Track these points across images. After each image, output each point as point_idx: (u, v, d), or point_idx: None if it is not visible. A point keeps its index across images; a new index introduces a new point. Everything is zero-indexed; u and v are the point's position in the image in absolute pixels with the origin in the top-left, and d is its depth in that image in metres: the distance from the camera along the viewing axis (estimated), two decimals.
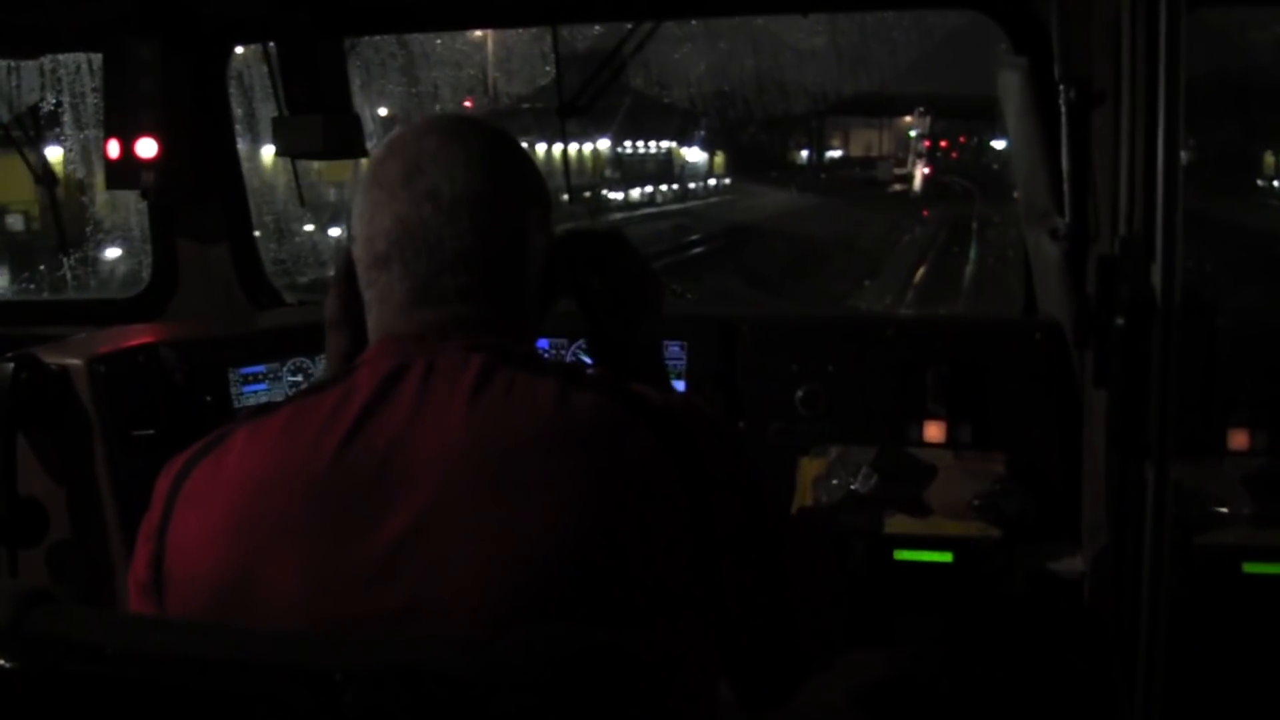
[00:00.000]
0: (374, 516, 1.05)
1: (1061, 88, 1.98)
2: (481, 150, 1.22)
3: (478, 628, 0.98)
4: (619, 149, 35.23)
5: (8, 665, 0.85)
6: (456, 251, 1.19)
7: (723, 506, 1.11)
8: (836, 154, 48.99)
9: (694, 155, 40.84)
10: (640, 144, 38.73)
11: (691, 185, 40.19)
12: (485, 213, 1.20)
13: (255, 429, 1.16)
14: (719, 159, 42.14)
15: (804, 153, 47.06)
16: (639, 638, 0.99)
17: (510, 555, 1.02)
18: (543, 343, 2.35)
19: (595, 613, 1.02)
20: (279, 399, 2.12)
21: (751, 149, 39.93)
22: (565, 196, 2.90)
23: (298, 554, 1.05)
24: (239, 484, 1.11)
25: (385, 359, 1.16)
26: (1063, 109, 1.99)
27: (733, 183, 42.00)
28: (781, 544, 1.19)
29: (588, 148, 31.94)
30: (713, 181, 42.30)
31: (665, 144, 38.69)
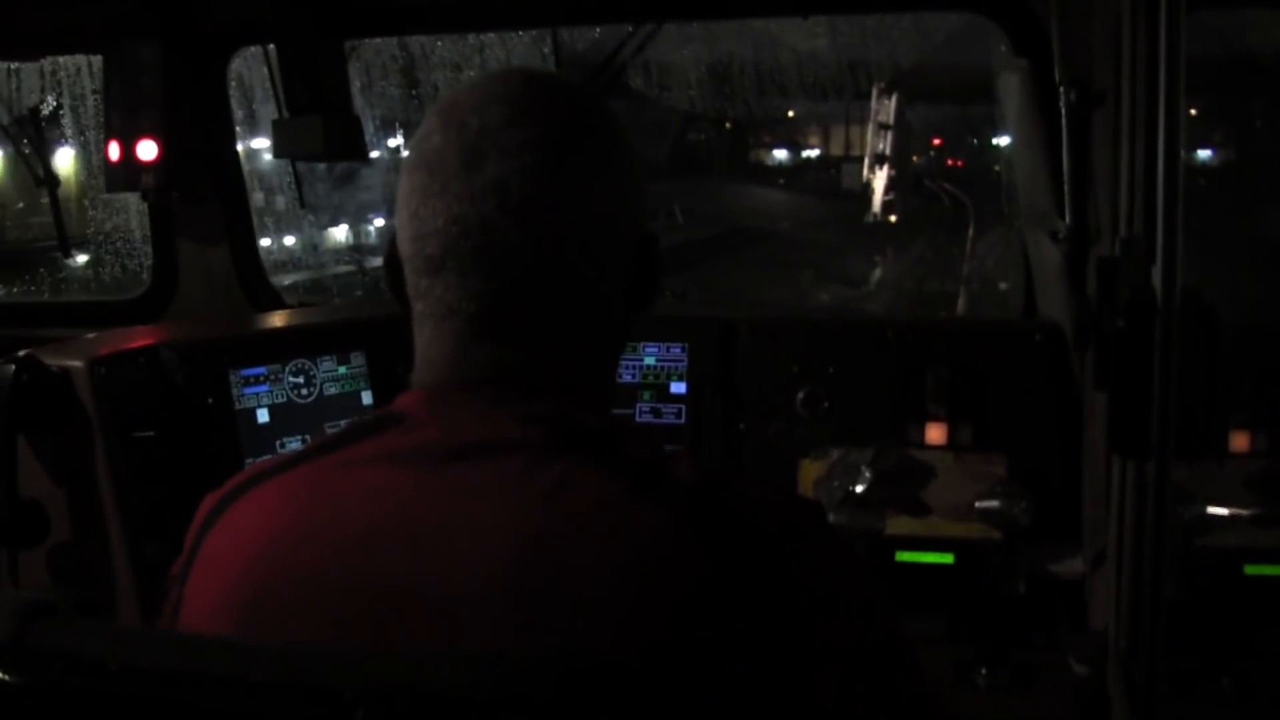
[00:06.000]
0: (389, 633, 0.89)
1: (1062, 89, 1.98)
2: (562, 129, 0.97)
3: None
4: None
5: (10, 679, 0.83)
6: (530, 266, 0.95)
7: (824, 643, 0.89)
8: (814, 153, 39.34)
9: None
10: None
11: None
12: (566, 217, 0.96)
13: (281, 485, 0.99)
14: None
15: (778, 152, 38.25)
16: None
17: None
18: None
19: None
20: (280, 400, 2.13)
21: (692, 149, 29.07)
22: None
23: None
24: (249, 558, 0.96)
25: (427, 426, 0.96)
26: (1063, 111, 1.99)
27: None
28: (899, 675, 0.96)
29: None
30: None
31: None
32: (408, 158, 1.01)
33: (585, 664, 0.80)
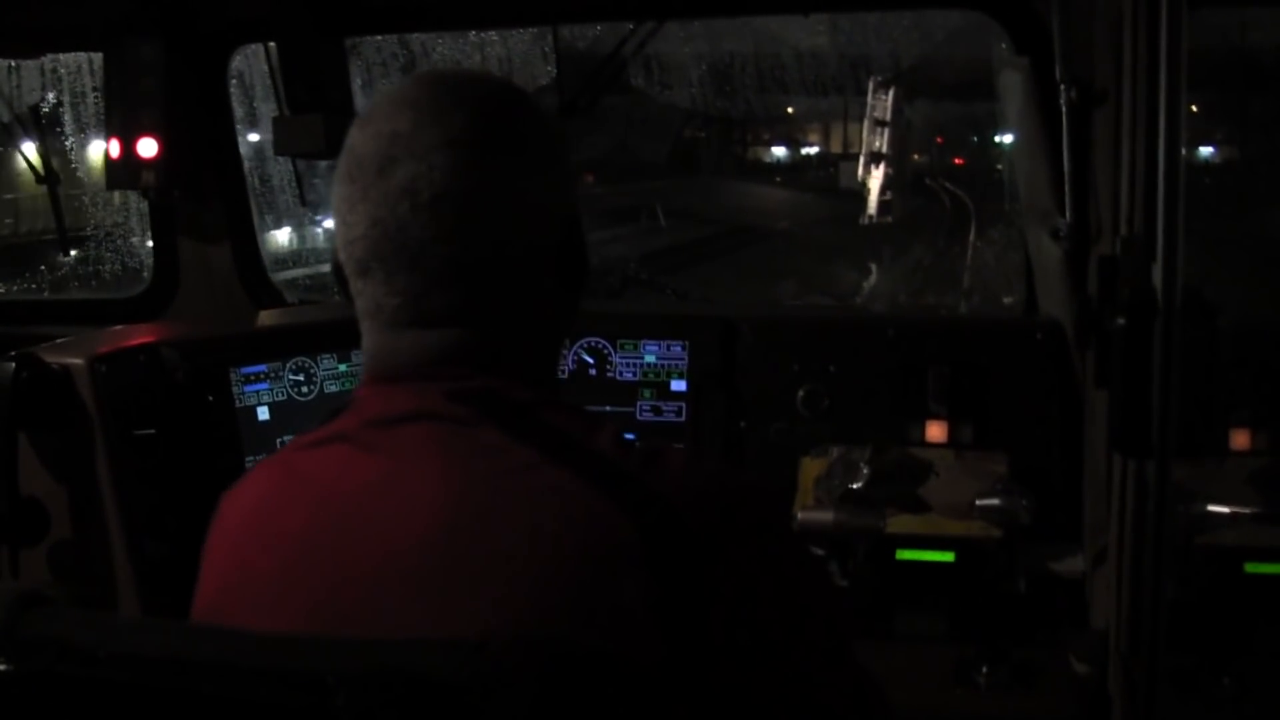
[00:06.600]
0: (332, 596, 0.96)
1: (1063, 88, 1.98)
2: (467, 128, 1.00)
3: None
4: None
5: (1, 668, 0.85)
6: (446, 259, 0.99)
7: (729, 622, 0.91)
8: (813, 150, 37.96)
9: None
10: None
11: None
12: (476, 211, 0.99)
13: (267, 467, 1.09)
14: None
15: (777, 149, 37.38)
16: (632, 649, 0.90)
17: None
18: None
19: None
20: (280, 398, 2.13)
21: (689, 146, 28.16)
22: None
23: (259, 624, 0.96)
24: (230, 530, 1.07)
25: (371, 404, 1.03)
26: (1064, 109, 1.99)
27: None
28: (819, 667, 0.98)
29: None
30: None
31: None
32: (337, 167, 1.05)
33: (565, 651, 0.81)
